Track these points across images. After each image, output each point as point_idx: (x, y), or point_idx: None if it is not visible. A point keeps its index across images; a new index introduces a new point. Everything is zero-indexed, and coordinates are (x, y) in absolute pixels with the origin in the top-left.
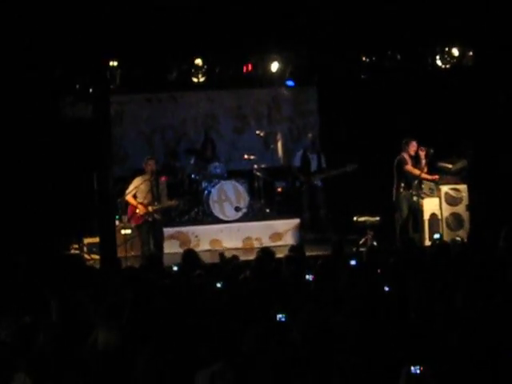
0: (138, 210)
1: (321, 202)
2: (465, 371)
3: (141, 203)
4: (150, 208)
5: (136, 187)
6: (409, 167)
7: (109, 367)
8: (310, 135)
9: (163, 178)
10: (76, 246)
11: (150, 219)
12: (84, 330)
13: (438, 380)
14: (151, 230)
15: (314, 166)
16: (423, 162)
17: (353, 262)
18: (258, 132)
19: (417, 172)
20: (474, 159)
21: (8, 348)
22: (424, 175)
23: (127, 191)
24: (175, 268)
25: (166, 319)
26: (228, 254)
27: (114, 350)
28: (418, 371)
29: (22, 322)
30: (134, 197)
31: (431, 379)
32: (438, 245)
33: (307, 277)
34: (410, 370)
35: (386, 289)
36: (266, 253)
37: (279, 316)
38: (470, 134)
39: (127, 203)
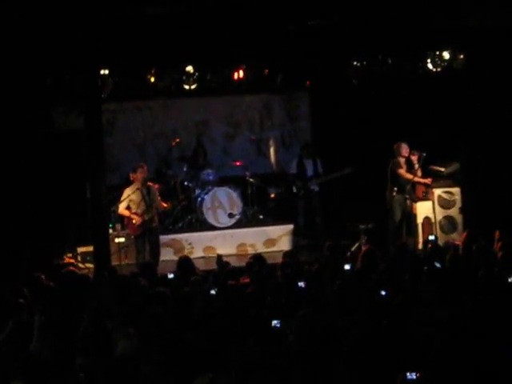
0: (134, 221)
1: (317, 208)
2: (460, 377)
3: (135, 213)
4: (145, 216)
5: (126, 198)
6: (401, 171)
7: (126, 374)
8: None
9: (156, 186)
10: (70, 255)
11: (147, 227)
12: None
13: None
14: (147, 238)
15: (309, 171)
16: (416, 165)
17: (347, 267)
18: (252, 138)
19: (409, 176)
20: (467, 162)
21: (5, 357)
22: (417, 179)
23: (119, 203)
24: (171, 276)
25: (160, 326)
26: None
27: (131, 357)
28: (415, 377)
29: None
30: (127, 208)
31: None
32: (431, 248)
33: (299, 284)
34: (405, 376)
35: (383, 293)
36: (256, 259)
37: (274, 322)
38: (462, 137)
39: (121, 216)
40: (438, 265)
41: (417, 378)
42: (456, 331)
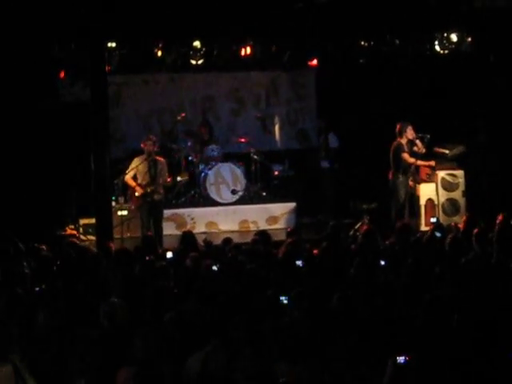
0: (136, 193)
1: (327, 184)
2: (451, 361)
3: (139, 184)
4: (148, 189)
5: (134, 168)
6: (405, 155)
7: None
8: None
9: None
10: (72, 226)
11: (148, 200)
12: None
13: (425, 369)
14: (151, 211)
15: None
16: (420, 145)
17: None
18: (258, 115)
19: (412, 160)
20: (472, 144)
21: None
22: (419, 162)
23: (127, 171)
24: (169, 255)
25: (161, 300)
26: (223, 237)
27: (116, 329)
28: (404, 361)
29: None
30: (134, 178)
31: (417, 368)
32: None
33: (297, 262)
34: (396, 359)
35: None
36: (262, 236)
37: (282, 298)
38: (468, 120)
39: (126, 184)
40: (438, 234)
41: (407, 361)
42: (447, 314)
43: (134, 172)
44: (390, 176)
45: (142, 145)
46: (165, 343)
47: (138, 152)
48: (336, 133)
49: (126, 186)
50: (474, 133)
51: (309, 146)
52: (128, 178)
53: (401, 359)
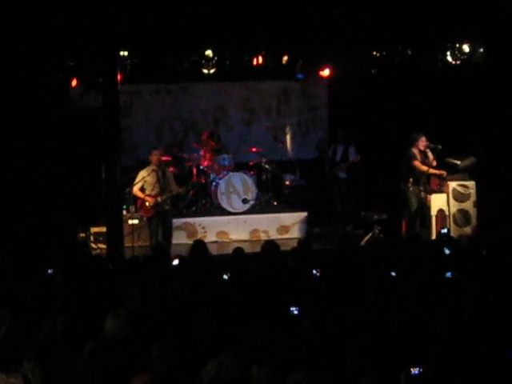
0: (147, 203)
1: (344, 194)
2: (465, 373)
3: (149, 195)
4: (159, 199)
5: (141, 180)
6: (416, 163)
7: (117, 355)
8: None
9: (171, 169)
10: (83, 234)
11: (159, 210)
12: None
13: (438, 381)
14: (160, 220)
15: (338, 157)
16: (431, 157)
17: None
18: (268, 125)
19: (424, 168)
20: (483, 156)
21: (16, 336)
22: (431, 170)
23: (133, 185)
24: (176, 262)
25: (174, 309)
26: (233, 246)
27: (122, 339)
28: (418, 373)
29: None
30: (142, 189)
31: (431, 381)
32: (444, 239)
33: (314, 271)
34: (410, 372)
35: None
36: (271, 246)
37: (293, 309)
38: (479, 131)
39: (135, 196)
40: (447, 251)
41: (420, 373)
42: (460, 326)
43: (142, 184)
44: (402, 186)
45: (150, 156)
46: (179, 352)
47: (149, 161)
48: (355, 145)
49: (134, 197)
50: (485, 145)
51: (320, 156)
52: (136, 190)
53: (414, 371)
